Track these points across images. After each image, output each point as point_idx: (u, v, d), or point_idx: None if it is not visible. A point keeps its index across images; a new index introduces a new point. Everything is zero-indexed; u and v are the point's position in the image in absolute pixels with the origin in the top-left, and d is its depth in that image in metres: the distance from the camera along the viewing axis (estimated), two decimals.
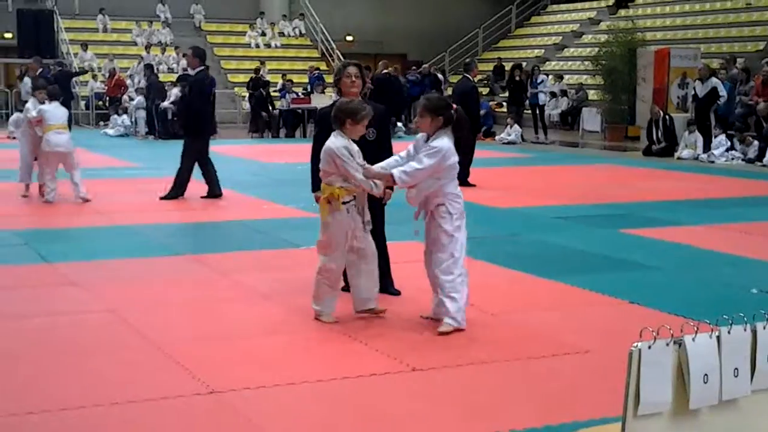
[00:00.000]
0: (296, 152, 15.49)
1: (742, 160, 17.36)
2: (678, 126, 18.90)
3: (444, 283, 5.77)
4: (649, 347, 2.46)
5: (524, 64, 25.74)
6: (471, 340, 5.66)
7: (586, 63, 24.43)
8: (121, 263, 7.97)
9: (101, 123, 25.91)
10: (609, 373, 4.77)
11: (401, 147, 6.11)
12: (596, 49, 23.55)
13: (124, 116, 24.09)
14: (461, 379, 4.97)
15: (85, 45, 28.44)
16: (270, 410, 4.52)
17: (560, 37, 30.53)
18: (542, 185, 14.11)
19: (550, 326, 6.02)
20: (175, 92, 21.49)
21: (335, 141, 5.80)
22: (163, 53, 29.01)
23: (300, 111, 23.75)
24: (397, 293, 6.64)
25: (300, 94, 24.71)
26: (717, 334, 2.61)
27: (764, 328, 2.71)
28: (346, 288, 6.23)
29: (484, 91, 27.27)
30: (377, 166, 5.84)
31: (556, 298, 6.84)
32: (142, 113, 23.03)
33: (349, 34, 32.87)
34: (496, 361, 5.30)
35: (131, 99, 24.40)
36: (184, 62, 25.33)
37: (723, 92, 18.68)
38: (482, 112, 19.96)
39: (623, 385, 2.48)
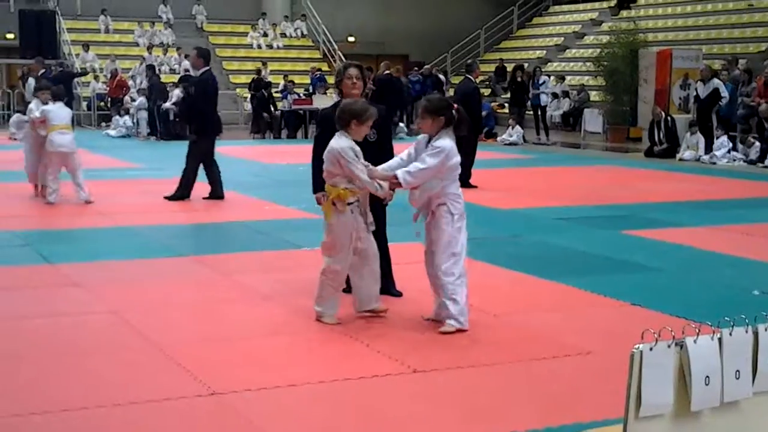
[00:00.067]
0: (298, 153, 15.49)
1: (744, 161, 17.35)
2: (680, 127, 18.89)
3: (445, 284, 5.77)
4: (651, 349, 2.46)
5: (526, 65, 25.73)
6: (472, 342, 5.66)
7: (588, 64, 24.43)
8: (122, 264, 7.97)
9: (103, 124, 25.91)
10: (610, 375, 4.76)
11: (402, 148, 6.11)
12: (598, 50, 23.54)
13: (126, 117, 24.09)
14: (462, 380, 4.97)
15: (86, 46, 28.45)
16: (271, 411, 4.52)
17: (562, 38, 30.52)
18: (544, 186, 14.11)
19: (551, 328, 6.02)
20: (176, 93, 21.50)
21: (340, 141, 5.79)
22: (165, 54, 29.02)
23: (302, 112, 23.75)
24: (399, 294, 6.65)
25: (302, 95, 24.71)
26: (718, 335, 2.60)
27: (766, 329, 2.71)
28: (347, 289, 6.23)
29: (486, 92, 27.25)
30: (380, 168, 5.84)
31: (557, 300, 6.84)
32: (144, 114, 23.05)
33: (350, 35, 32.87)
34: (498, 362, 5.30)
35: (133, 100, 24.42)
36: (186, 63, 25.35)
37: (725, 93, 18.66)
38: (484, 113, 19.97)
39: (625, 386, 2.48)
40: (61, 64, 25.57)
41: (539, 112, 23.04)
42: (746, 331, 2.67)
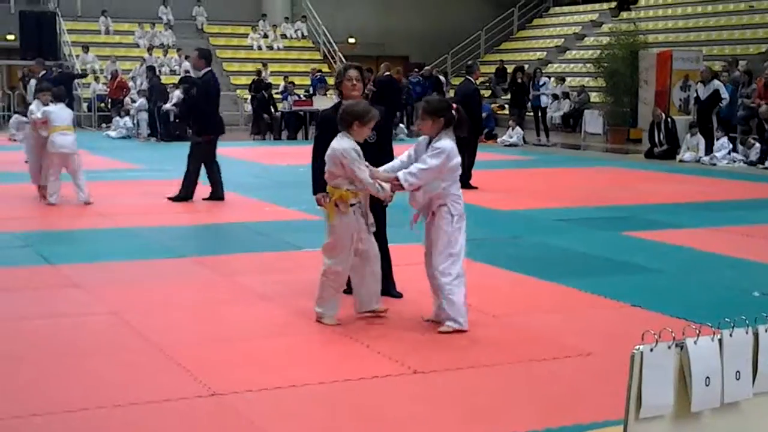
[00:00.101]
0: (298, 154, 15.49)
1: (744, 162, 17.36)
2: (680, 128, 18.89)
3: (444, 285, 5.78)
4: (651, 350, 2.46)
5: (526, 66, 25.73)
6: (472, 343, 5.67)
7: (588, 65, 24.43)
8: (123, 265, 7.97)
9: (103, 125, 25.92)
10: (611, 376, 4.76)
11: (402, 149, 6.12)
12: (598, 51, 23.56)
13: (126, 118, 24.11)
14: (462, 381, 4.98)
15: (87, 47, 28.46)
16: (272, 412, 4.53)
17: (562, 40, 30.53)
18: (544, 187, 14.11)
19: (551, 329, 6.02)
20: (177, 94, 21.52)
21: (342, 142, 5.79)
22: (165, 55, 29.03)
23: (302, 113, 23.75)
24: (399, 296, 6.65)
25: (302, 96, 24.72)
26: (719, 336, 2.60)
27: (766, 330, 2.71)
28: (348, 290, 6.23)
29: (486, 93, 27.26)
30: (381, 170, 5.85)
31: (557, 301, 6.84)
32: (144, 115, 23.05)
33: (351, 36, 32.87)
34: (498, 363, 5.30)
35: (133, 101, 24.43)
36: (186, 64, 25.36)
37: (725, 95, 18.67)
38: (484, 114, 19.96)
39: (625, 387, 2.48)
40: (62, 65, 25.55)
41: (539, 114, 23.04)
42: (746, 332, 2.67)
